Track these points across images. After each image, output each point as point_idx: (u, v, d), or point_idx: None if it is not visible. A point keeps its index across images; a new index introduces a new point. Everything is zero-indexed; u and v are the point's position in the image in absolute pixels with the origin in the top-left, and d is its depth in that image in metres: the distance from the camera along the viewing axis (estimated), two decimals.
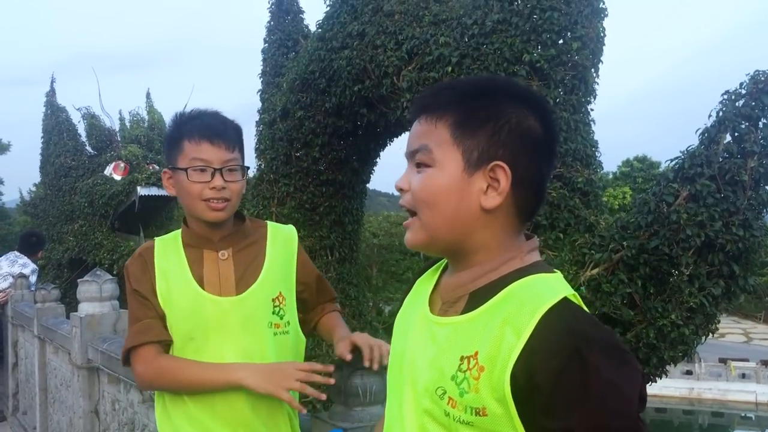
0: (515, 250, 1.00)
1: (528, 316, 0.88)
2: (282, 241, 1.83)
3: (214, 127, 1.69)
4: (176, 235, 1.79)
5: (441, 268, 1.14)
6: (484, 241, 0.99)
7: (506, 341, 0.88)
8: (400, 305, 1.20)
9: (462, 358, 0.92)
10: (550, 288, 0.93)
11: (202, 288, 1.68)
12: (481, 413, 0.89)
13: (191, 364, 1.64)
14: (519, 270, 0.98)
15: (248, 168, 1.79)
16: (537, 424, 0.85)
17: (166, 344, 1.68)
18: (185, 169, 1.66)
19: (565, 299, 0.90)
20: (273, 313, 1.73)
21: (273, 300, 1.74)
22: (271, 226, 1.86)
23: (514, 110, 0.98)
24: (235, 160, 1.70)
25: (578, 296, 0.95)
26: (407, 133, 1.05)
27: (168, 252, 1.75)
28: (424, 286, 1.14)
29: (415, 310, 1.10)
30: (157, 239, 1.80)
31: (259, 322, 1.71)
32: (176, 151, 1.69)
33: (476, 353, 0.91)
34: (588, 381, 0.82)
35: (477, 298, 0.98)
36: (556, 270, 1.00)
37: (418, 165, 1.01)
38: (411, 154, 1.03)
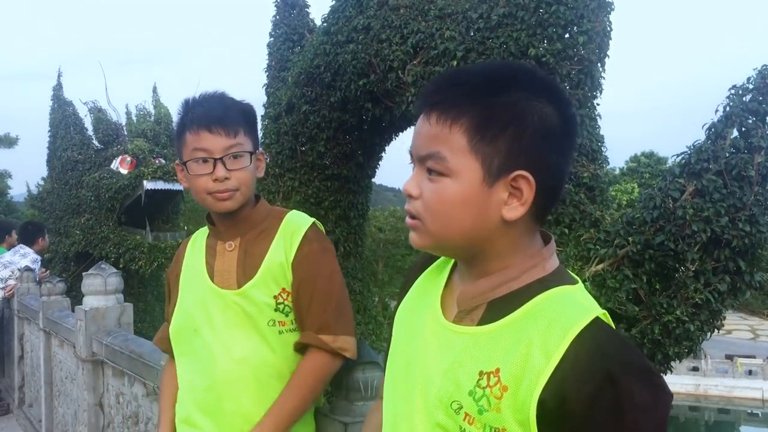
0: (536, 257, 0.95)
1: (558, 337, 0.84)
2: (290, 232, 1.68)
3: (213, 114, 1.59)
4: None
5: (450, 264, 1.08)
6: (503, 249, 0.94)
7: (533, 362, 0.84)
8: (400, 299, 1.14)
9: (481, 373, 0.88)
10: (580, 306, 0.89)
11: (212, 280, 1.65)
12: None
13: (161, 394, 1.83)
14: (542, 280, 0.93)
15: (258, 151, 1.66)
16: None
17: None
18: (186, 162, 1.61)
19: (596, 319, 0.87)
20: (276, 310, 1.63)
21: (275, 297, 1.63)
22: (289, 215, 1.73)
23: (535, 108, 0.89)
24: (239, 146, 1.59)
25: (608, 315, 0.91)
26: (412, 128, 0.99)
27: (196, 243, 1.77)
28: (431, 284, 1.08)
29: (423, 311, 1.04)
30: (200, 230, 1.82)
31: (259, 318, 1.63)
32: (180, 144, 1.64)
33: (497, 370, 0.87)
34: (621, 405, 0.80)
35: (496, 309, 0.93)
36: (578, 279, 0.96)
37: (430, 171, 0.92)
38: (421, 159, 0.93)
